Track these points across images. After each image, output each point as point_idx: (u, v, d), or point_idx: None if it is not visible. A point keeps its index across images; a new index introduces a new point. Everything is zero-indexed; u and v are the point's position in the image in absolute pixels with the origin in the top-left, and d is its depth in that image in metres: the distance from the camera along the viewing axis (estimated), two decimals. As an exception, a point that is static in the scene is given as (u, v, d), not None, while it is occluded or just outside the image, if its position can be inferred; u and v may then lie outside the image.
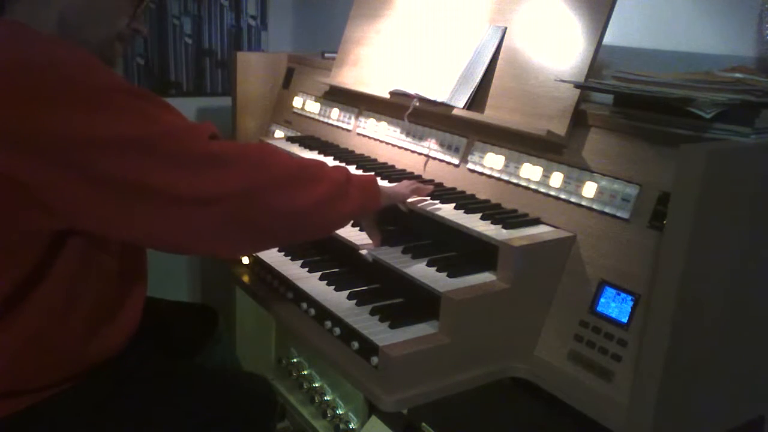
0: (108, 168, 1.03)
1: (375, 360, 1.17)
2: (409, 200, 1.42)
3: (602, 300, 1.20)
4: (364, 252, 1.38)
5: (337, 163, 1.71)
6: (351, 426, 1.90)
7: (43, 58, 1.06)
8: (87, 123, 1.02)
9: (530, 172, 1.39)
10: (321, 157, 1.77)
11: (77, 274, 1.15)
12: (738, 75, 1.22)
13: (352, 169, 1.65)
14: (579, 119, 1.32)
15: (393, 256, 1.35)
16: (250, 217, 1.12)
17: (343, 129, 1.94)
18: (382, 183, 1.51)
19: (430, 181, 1.57)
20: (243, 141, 2.28)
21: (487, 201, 1.45)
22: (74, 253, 1.13)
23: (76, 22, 1.18)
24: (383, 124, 1.79)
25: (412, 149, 1.68)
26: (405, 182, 1.44)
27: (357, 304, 1.32)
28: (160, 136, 1.06)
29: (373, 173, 1.36)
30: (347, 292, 1.37)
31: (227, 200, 1.09)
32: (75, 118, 1.01)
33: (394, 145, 1.74)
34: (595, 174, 1.27)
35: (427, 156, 1.64)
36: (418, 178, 1.60)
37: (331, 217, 1.24)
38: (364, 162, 1.71)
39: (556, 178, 1.33)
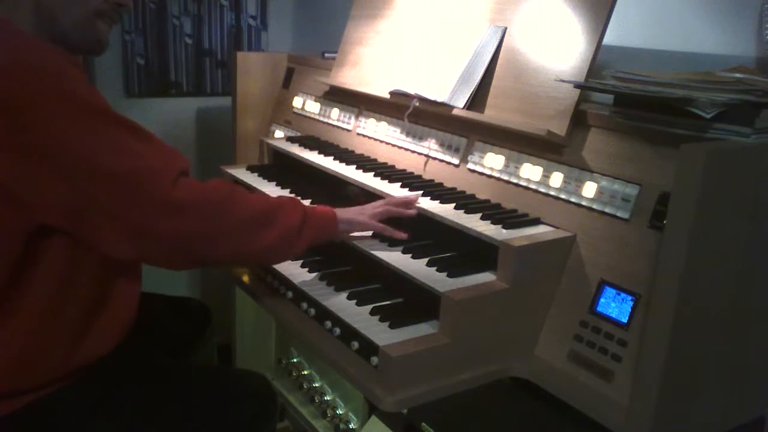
0: (75, 179, 1.07)
1: (375, 360, 1.17)
2: (415, 200, 1.44)
3: (602, 300, 1.20)
4: None
5: (337, 163, 1.71)
6: (351, 426, 1.90)
7: (29, 59, 1.08)
8: (63, 131, 1.05)
9: (530, 172, 1.39)
10: (321, 157, 1.77)
11: (66, 271, 1.16)
12: (738, 75, 1.22)
13: (352, 169, 1.66)
14: (579, 119, 1.32)
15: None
16: (201, 253, 1.21)
17: (343, 129, 1.94)
18: (382, 182, 1.52)
19: (412, 178, 1.59)
20: (242, 141, 2.28)
21: (487, 201, 1.45)
22: (60, 249, 1.14)
23: (49, 3, 1.18)
24: (383, 124, 1.79)
25: (412, 149, 1.68)
26: (373, 206, 1.43)
27: (357, 304, 1.32)
28: (127, 173, 1.09)
29: (333, 208, 1.39)
30: (347, 292, 1.36)
31: (180, 242, 1.16)
32: (55, 121, 1.04)
33: (394, 145, 1.74)
34: (595, 174, 1.27)
35: (427, 156, 1.64)
36: (418, 178, 1.60)
37: (278, 257, 1.36)
38: (363, 162, 1.71)
39: (556, 178, 1.33)
